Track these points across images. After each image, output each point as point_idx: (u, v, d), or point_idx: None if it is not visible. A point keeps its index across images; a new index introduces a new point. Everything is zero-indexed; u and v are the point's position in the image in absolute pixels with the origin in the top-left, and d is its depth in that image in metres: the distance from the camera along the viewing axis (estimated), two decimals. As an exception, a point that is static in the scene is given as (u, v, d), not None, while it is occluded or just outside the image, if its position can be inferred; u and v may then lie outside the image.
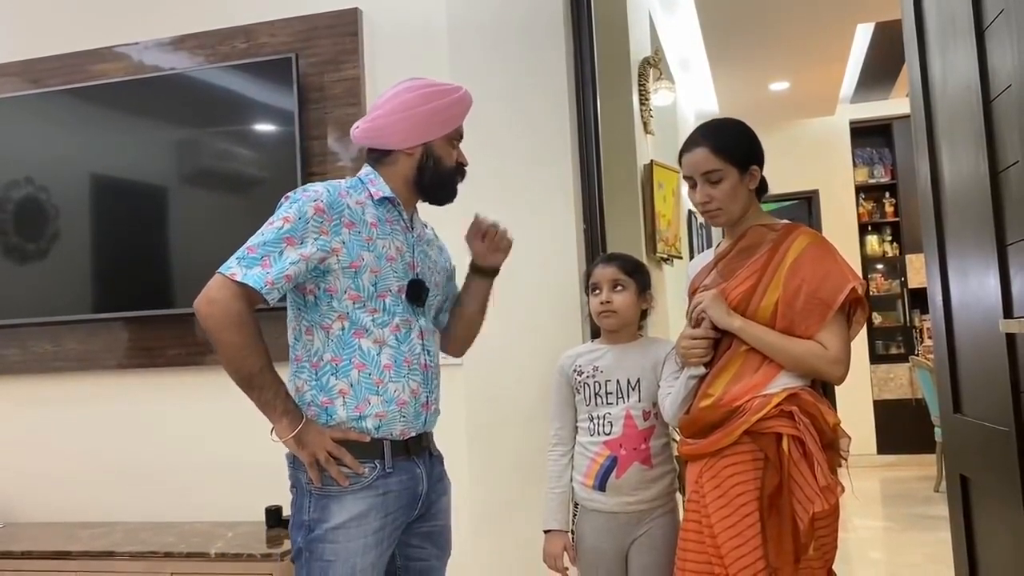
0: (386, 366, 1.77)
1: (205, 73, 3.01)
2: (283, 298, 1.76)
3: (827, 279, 1.88)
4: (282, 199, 1.80)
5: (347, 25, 2.93)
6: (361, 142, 1.90)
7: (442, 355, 2.00)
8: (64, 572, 2.65)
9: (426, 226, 2.01)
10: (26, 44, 3.26)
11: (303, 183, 2.56)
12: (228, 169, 3.00)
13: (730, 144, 1.97)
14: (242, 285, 1.67)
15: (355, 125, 1.90)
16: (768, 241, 1.96)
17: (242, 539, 2.66)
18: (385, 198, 1.84)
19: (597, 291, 2.20)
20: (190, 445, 3.00)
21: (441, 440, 1.96)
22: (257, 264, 1.69)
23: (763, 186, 2.04)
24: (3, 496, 3.20)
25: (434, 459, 1.92)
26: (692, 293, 2.06)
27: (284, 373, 1.79)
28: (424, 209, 1.96)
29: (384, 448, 1.77)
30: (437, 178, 1.87)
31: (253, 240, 1.73)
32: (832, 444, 1.85)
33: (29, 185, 3.14)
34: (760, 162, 2.00)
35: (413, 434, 1.82)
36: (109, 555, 2.62)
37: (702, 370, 1.96)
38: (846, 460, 1.90)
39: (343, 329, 1.76)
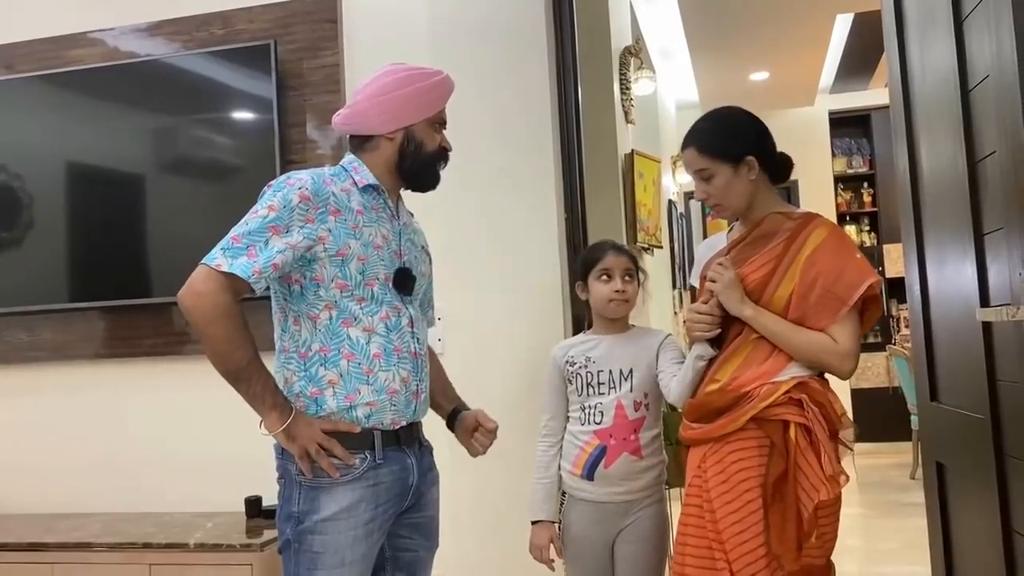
0: (375, 355, 1.75)
1: (182, 60, 2.96)
2: (265, 287, 1.74)
3: (844, 274, 1.86)
4: (265, 188, 1.78)
5: (326, 11, 2.90)
6: (342, 128, 1.89)
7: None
8: (41, 564, 2.61)
9: (411, 214, 2.00)
10: (-1, 29, 3.20)
11: (282, 171, 2.54)
12: (206, 157, 2.96)
13: (714, 142, 1.96)
14: (228, 276, 1.64)
15: (337, 112, 1.89)
16: (785, 230, 1.94)
17: (221, 529, 2.64)
18: (369, 185, 1.82)
19: (607, 278, 2.17)
20: (168, 435, 2.98)
21: (427, 429, 1.95)
22: (243, 254, 1.66)
23: (781, 170, 2.01)
24: (-22, 487, 3.16)
25: (424, 449, 1.90)
26: (703, 279, 2.01)
27: (269, 363, 1.76)
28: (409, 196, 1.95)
29: (375, 439, 1.75)
30: (419, 163, 1.85)
31: (237, 230, 1.70)
32: (837, 434, 1.85)
33: (3, 173, 3.09)
34: (758, 150, 1.97)
35: (404, 423, 1.80)
36: (87, 546, 2.59)
37: (711, 351, 1.94)
38: (851, 449, 1.89)
39: (331, 318, 1.74)
